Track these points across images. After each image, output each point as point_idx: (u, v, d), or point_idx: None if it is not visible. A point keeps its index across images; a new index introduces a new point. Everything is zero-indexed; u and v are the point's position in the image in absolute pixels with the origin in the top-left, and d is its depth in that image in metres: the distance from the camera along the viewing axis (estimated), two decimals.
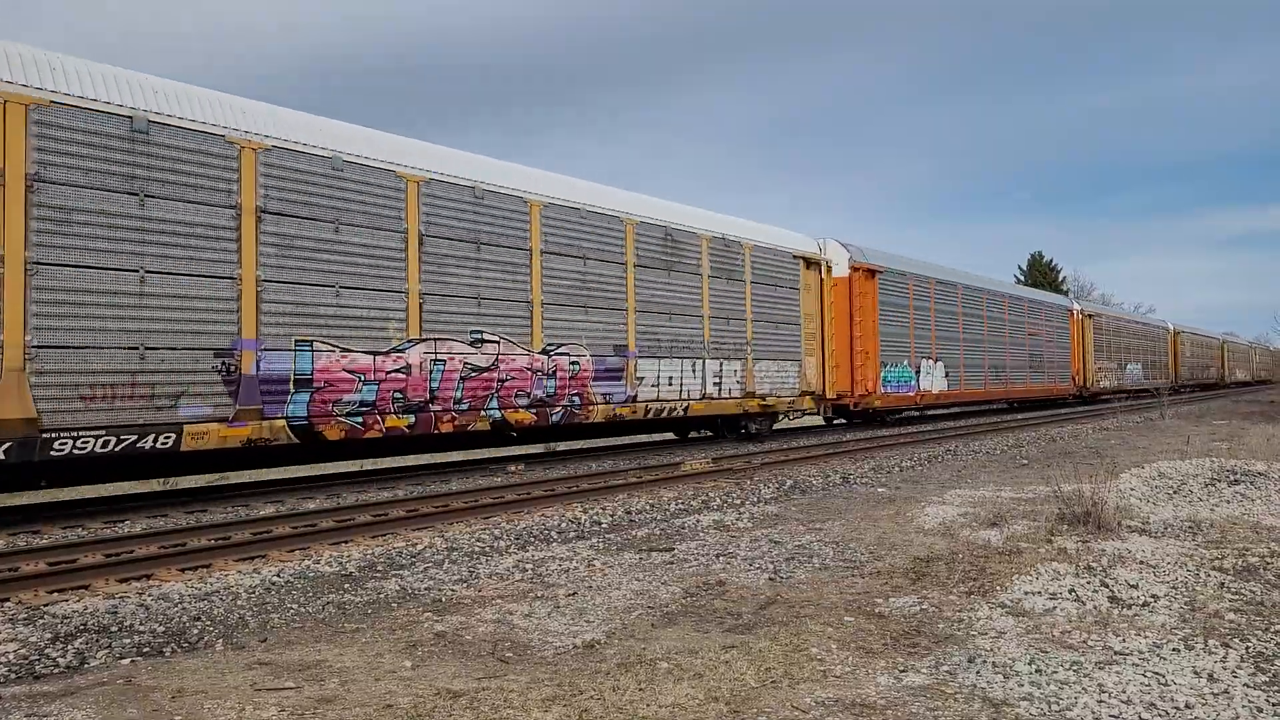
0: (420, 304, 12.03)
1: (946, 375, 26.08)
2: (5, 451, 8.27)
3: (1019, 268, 74.73)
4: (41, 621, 5.52)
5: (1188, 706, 3.85)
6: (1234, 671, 4.25)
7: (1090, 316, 39.09)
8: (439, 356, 12.22)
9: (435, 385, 12.13)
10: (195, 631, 5.36)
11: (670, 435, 20.54)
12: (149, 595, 6.18)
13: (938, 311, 25.99)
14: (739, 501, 10.34)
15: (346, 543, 8.17)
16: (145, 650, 5.02)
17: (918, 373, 24.44)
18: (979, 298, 29.19)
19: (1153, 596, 5.52)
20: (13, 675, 4.62)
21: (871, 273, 22.51)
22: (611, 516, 9.40)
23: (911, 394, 24.13)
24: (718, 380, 17.34)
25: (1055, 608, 5.37)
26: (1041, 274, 71.27)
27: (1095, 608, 5.36)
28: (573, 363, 14.13)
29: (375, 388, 11.44)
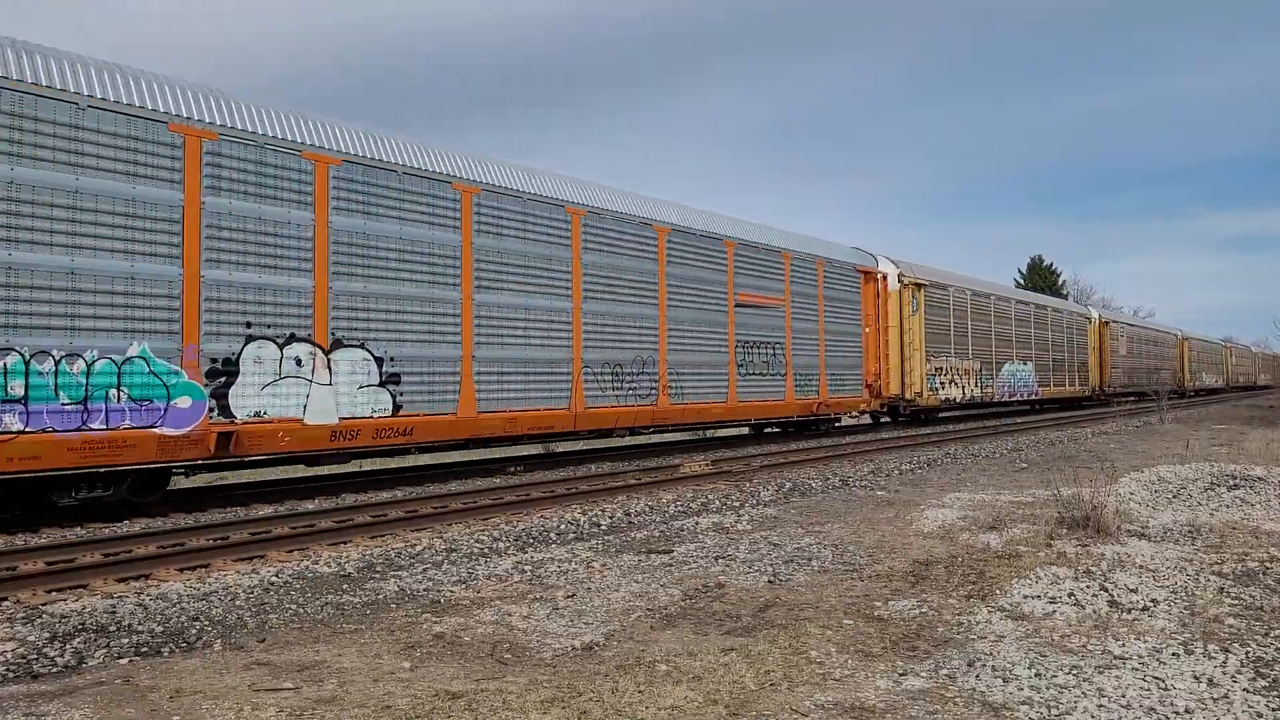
0: None
1: (387, 384, 11.57)
2: None
3: (1019, 270, 74.77)
4: (40, 621, 5.51)
5: (1187, 711, 3.85)
6: (1234, 676, 4.24)
7: (919, 286, 23.98)
8: None
9: None
10: (194, 631, 5.35)
11: (672, 436, 20.27)
12: (147, 595, 6.17)
13: (347, 231, 11.31)
14: (738, 504, 10.33)
15: (345, 543, 8.17)
16: (143, 650, 5.02)
17: (223, 377, 10.03)
18: (552, 222, 14.02)
19: (1152, 601, 5.52)
20: (11, 675, 4.61)
21: None
22: (611, 518, 9.39)
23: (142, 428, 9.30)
24: None
25: (1055, 611, 5.37)
26: (1042, 277, 71.25)
27: (1095, 612, 5.36)
28: None
29: None
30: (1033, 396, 32.48)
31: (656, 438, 19.35)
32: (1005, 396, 29.93)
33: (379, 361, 11.56)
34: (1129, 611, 5.35)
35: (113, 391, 9.19)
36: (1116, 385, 41.19)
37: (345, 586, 6.49)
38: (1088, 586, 5.79)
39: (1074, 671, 4.32)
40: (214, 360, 10.01)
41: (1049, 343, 34.15)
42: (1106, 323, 41.23)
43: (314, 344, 10.91)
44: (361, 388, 11.35)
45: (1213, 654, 4.53)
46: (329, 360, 11.03)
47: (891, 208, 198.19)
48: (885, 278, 23.18)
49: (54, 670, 4.70)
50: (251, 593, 6.28)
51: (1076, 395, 36.97)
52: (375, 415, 11.42)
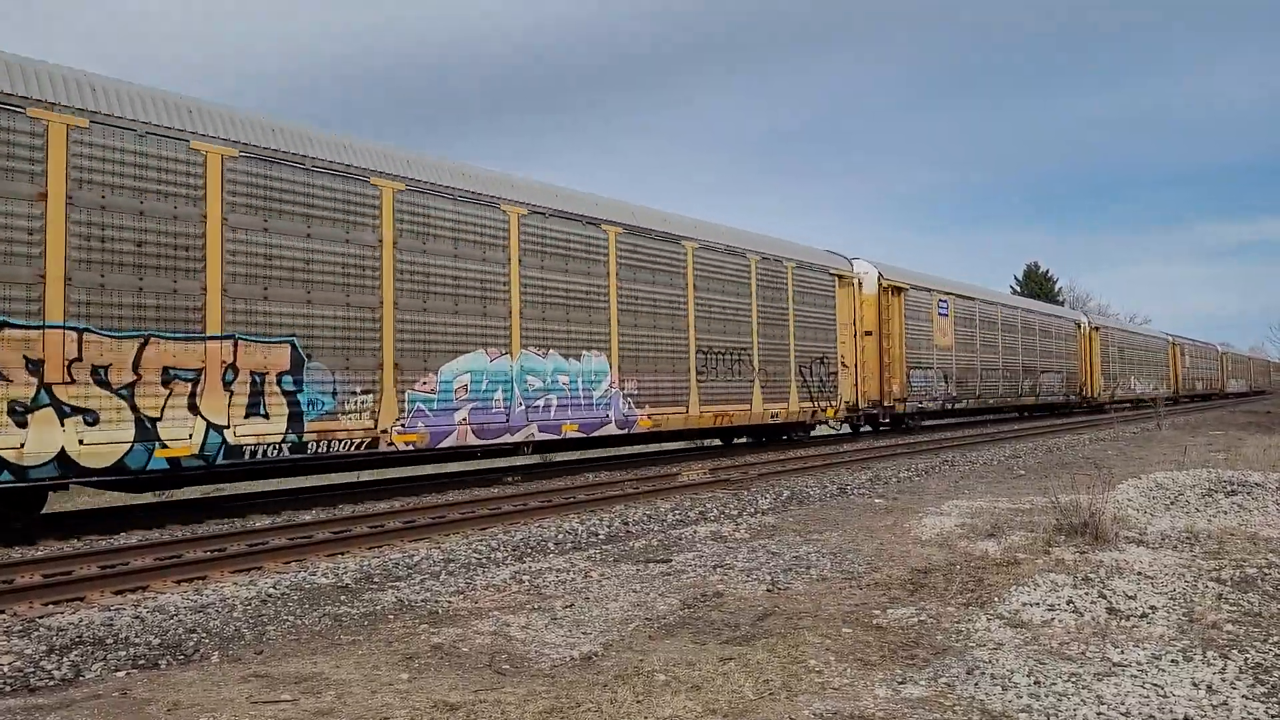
0: None
1: None
2: None
3: (1015, 277, 74.94)
4: (37, 634, 5.50)
5: (1187, 718, 3.85)
6: (1233, 683, 4.24)
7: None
8: None
9: None
10: (191, 643, 5.33)
11: (670, 445, 20.09)
12: (144, 607, 6.15)
13: None
14: (736, 512, 10.32)
15: (343, 554, 8.15)
16: (141, 663, 5.00)
17: None
18: None
19: (1151, 607, 5.52)
20: (8, 688, 4.60)
21: None
22: (609, 527, 9.38)
23: None
24: None
25: (1053, 619, 5.37)
26: (1038, 284, 71.35)
27: (1093, 619, 5.36)
28: None
29: None
30: (613, 427, 14.61)
31: (654, 445, 19.23)
32: (472, 436, 12.45)
33: None
34: (1128, 618, 5.35)
35: None
36: (927, 397, 23.92)
37: (343, 597, 6.48)
38: (1086, 593, 5.79)
39: (1073, 679, 4.32)
40: None
41: (686, 313, 16.34)
42: (896, 289, 22.91)
43: None
44: None
45: (1212, 660, 4.53)
46: None
47: (889, 210, 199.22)
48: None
49: (51, 683, 4.68)
50: (249, 604, 6.27)
51: (788, 420, 19.03)
52: None
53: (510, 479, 13.91)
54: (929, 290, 25.39)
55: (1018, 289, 69.79)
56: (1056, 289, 73.51)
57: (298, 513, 10.81)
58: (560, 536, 8.87)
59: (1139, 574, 6.32)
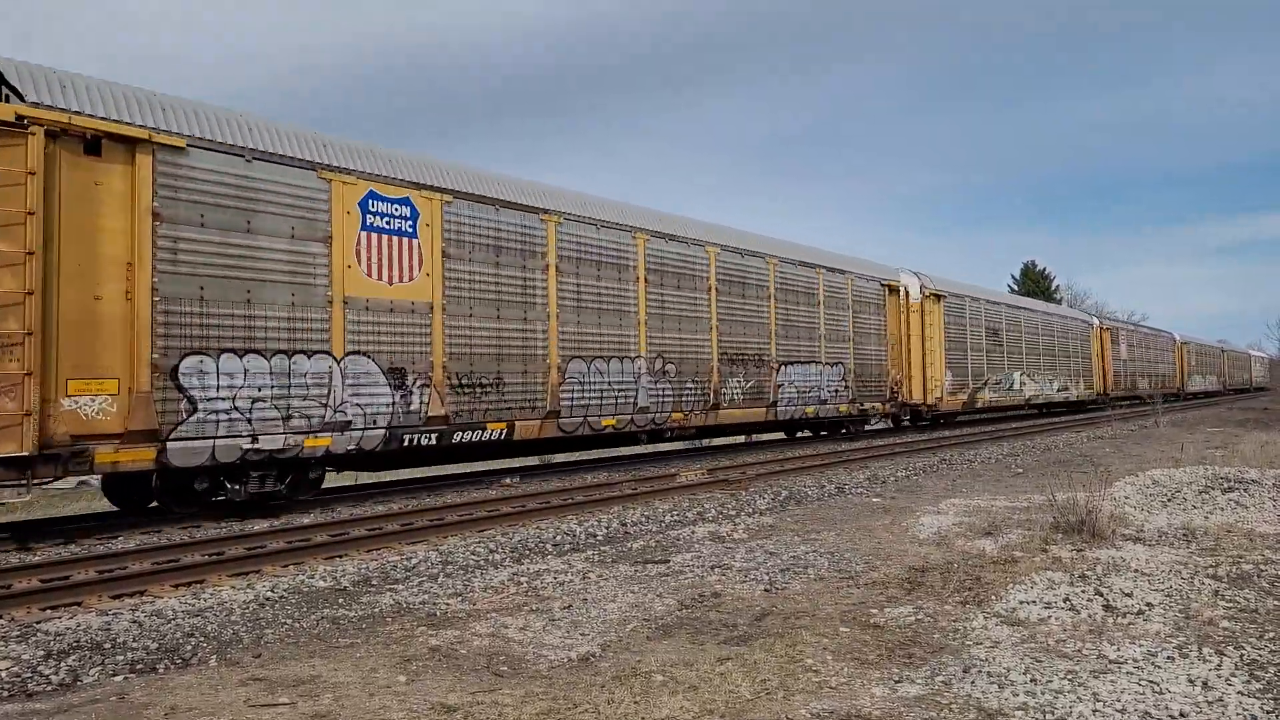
0: None
1: None
2: None
3: (1012, 276, 75.01)
4: (34, 639, 5.50)
5: (1182, 715, 3.86)
6: (1228, 679, 4.25)
7: None
8: None
9: None
10: (189, 648, 5.33)
11: (668, 445, 20.12)
12: (142, 611, 6.15)
13: None
14: (734, 513, 10.33)
15: (341, 557, 8.15)
16: (138, 667, 5.00)
17: None
18: None
19: (1147, 604, 5.53)
20: (5, 693, 4.60)
21: None
22: (607, 529, 9.39)
23: None
24: None
25: (1050, 617, 5.38)
26: (1035, 282, 71.38)
27: (1090, 616, 5.37)
28: None
29: None
30: None
31: (652, 446, 19.49)
32: None
33: None
34: (1124, 615, 5.36)
35: None
36: (275, 424, 9.79)
37: (341, 600, 6.48)
38: (1083, 591, 5.80)
39: (1069, 676, 4.33)
40: None
41: None
42: (108, 137, 8.36)
43: None
44: None
45: (1208, 657, 4.55)
46: None
47: (890, 211, 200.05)
48: None
49: (49, 689, 4.68)
50: (247, 608, 6.27)
51: None
52: None
53: (509, 480, 13.91)
54: (300, 168, 10.54)
55: (1015, 288, 69.75)
56: (1054, 287, 73.57)
57: (295, 516, 10.81)
58: (558, 538, 8.87)
59: (1136, 571, 6.33)
